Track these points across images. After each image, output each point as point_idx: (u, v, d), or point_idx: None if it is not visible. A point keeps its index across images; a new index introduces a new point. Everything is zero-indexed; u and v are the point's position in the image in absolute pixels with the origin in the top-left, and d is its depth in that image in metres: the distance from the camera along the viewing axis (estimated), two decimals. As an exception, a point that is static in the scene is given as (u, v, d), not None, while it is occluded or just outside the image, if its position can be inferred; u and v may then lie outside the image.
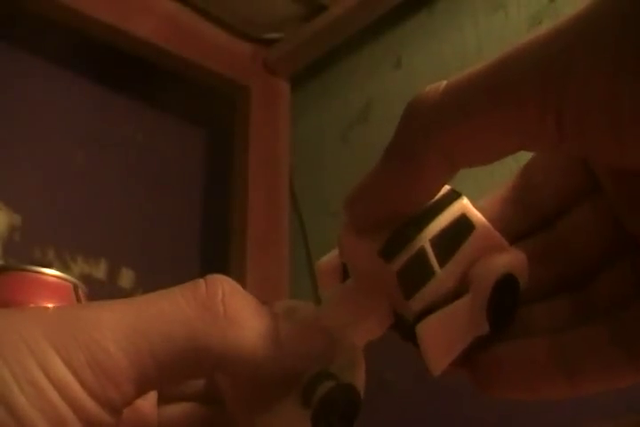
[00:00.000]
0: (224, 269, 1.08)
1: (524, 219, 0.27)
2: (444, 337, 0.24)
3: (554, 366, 0.24)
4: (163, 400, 0.28)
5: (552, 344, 0.24)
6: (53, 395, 0.21)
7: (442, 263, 0.25)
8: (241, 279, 1.04)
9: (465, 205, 0.25)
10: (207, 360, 0.23)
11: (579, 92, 0.19)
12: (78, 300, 0.47)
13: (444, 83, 0.22)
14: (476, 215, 0.25)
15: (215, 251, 1.19)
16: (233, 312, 0.24)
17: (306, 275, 1.15)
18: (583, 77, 0.19)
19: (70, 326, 0.22)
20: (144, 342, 0.22)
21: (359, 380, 0.25)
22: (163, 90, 1.26)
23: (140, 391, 0.23)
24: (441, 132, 0.22)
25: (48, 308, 0.24)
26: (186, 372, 0.24)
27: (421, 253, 0.24)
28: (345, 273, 0.27)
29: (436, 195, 0.24)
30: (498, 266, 0.25)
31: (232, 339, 0.23)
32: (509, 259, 0.25)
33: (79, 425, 0.21)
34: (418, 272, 0.24)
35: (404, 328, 0.25)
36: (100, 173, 1.15)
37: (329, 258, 0.28)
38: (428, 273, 0.24)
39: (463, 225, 0.25)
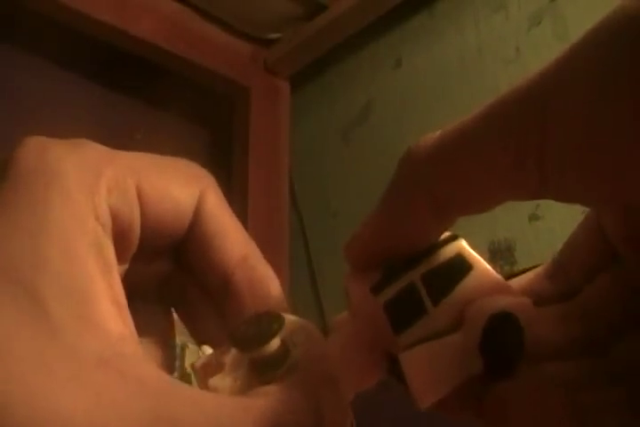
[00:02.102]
0: (224, 270, 1.07)
1: (549, 289, 0.27)
2: (431, 369, 0.24)
3: (569, 419, 0.23)
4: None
5: (567, 397, 0.23)
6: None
7: (435, 302, 0.24)
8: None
9: (462, 245, 0.25)
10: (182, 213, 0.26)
11: (558, 128, 0.20)
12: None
13: (438, 133, 0.23)
14: (474, 257, 0.25)
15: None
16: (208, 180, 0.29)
17: (306, 275, 1.15)
18: (562, 114, 0.20)
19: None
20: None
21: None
22: (163, 90, 1.26)
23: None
24: (430, 182, 0.22)
25: None
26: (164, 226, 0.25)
27: (412, 288, 0.24)
28: None
29: (426, 241, 0.24)
30: (494, 304, 0.24)
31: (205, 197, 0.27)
32: (509, 299, 0.25)
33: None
34: (408, 307, 0.24)
35: (396, 368, 0.25)
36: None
37: (343, 315, 0.28)
38: (419, 310, 0.24)
39: (459, 265, 0.25)
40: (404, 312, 0.24)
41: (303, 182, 1.22)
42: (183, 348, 0.75)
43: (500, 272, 0.26)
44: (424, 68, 1.08)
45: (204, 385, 0.24)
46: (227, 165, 1.23)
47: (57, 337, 0.20)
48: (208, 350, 0.27)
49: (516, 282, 0.27)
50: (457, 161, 0.22)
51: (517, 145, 0.21)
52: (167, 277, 0.28)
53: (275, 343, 0.23)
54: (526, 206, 0.86)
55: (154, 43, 1.12)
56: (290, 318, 0.25)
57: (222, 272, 0.26)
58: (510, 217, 0.88)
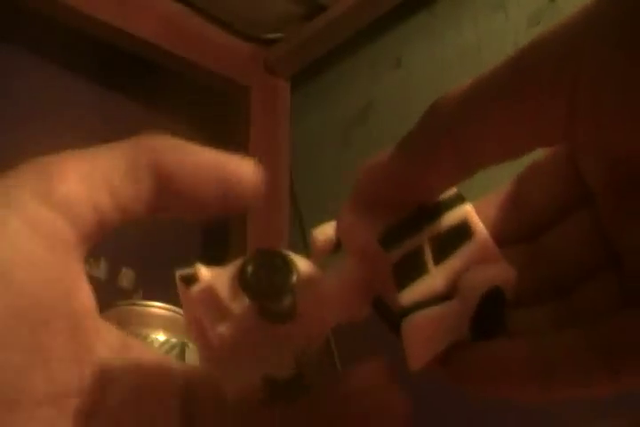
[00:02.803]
0: (224, 269, 1.08)
1: (514, 224, 0.28)
2: (427, 336, 0.25)
3: (529, 367, 0.24)
4: None
5: (530, 346, 0.24)
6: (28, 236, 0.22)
7: (436, 263, 0.25)
8: (241, 279, 1.04)
9: (468, 211, 0.26)
10: (143, 153, 0.26)
11: (592, 72, 0.20)
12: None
13: (469, 81, 0.22)
14: (478, 224, 0.26)
15: (215, 251, 1.19)
16: (172, 137, 0.27)
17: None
18: (596, 58, 0.20)
19: (36, 163, 0.26)
20: (92, 151, 0.26)
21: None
22: (162, 89, 1.26)
23: (87, 191, 0.24)
24: (458, 130, 0.22)
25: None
26: (124, 167, 0.26)
27: (419, 251, 0.25)
28: (338, 246, 0.27)
29: (442, 192, 0.25)
30: (488, 279, 0.25)
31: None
32: (500, 272, 0.26)
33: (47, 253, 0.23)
34: (413, 268, 0.25)
35: (389, 317, 0.26)
36: (100, 173, 1.15)
37: (324, 229, 0.28)
38: (421, 270, 0.25)
39: (463, 231, 0.26)
40: (408, 272, 0.25)
41: (303, 182, 1.22)
42: (183, 348, 0.75)
43: None
44: (424, 68, 1.08)
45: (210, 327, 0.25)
46: (227, 164, 1.23)
47: None
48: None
49: (481, 211, 0.27)
50: (485, 106, 0.22)
51: (550, 85, 0.21)
52: None
53: (289, 296, 0.24)
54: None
55: (154, 42, 1.12)
56: (291, 257, 0.25)
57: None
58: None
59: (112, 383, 0.24)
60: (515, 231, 0.27)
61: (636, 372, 0.23)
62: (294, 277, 0.24)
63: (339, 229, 0.27)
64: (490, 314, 0.26)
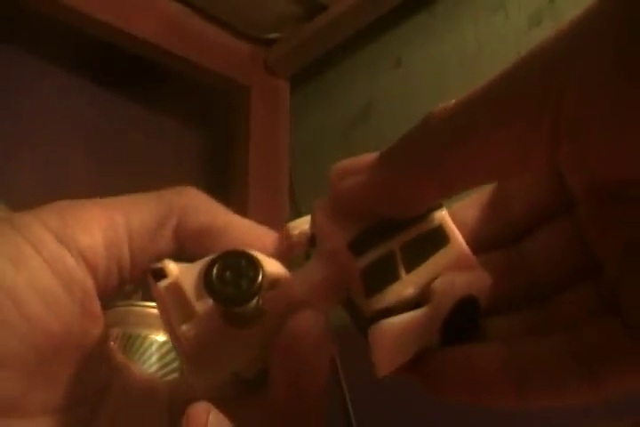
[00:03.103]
0: (224, 270, 1.07)
1: (494, 227, 0.27)
2: (395, 343, 0.24)
3: (503, 374, 0.23)
4: None
5: (504, 353, 0.24)
6: (46, 271, 0.22)
7: (408, 270, 0.25)
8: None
9: (444, 216, 0.25)
10: (173, 213, 0.25)
11: (577, 94, 0.20)
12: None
13: (453, 102, 0.22)
14: (453, 230, 0.26)
15: (215, 251, 1.19)
16: (201, 195, 0.27)
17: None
18: (582, 79, 0.19)
19: (60, 208, 0.25)
20: (119, 202, 0.26)
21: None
22: (162, 89, 1.26)
23: (108, 241, 0.24)
24: (443, 152, 0.22)
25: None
26: (152, 228, 0.25)
27: (390, 257, 0.24)
28: (313, 240, 0.27)
29: (423, 209, 0.25)
30: (462, 286, 0.25)
31: (195, 199, 0.27)
32: (475, 279, 0.25)
33: (48, 270, 0.23)
34: (383, 274, 0.24)
35: (358, 319, 0.26)
36: (100, 174, 1.15)
37: (300, 222, 0.28)
38: (392, 276, 0.25)
39: (437, 237, 0.25)
40: (378, 278, 0.24)
41: (303, 182, 1.22)
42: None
43: None
44: (424, 68, 1.08)
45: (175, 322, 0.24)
46: (226, 164, 1.23)
47: None
48: None
49: (461, 213, 0.27)
50: (470, 131, 0.21)
51: (535, 107, 0.20)
52: None
53: (255, 300, 0.23)
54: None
55: (154, 42, 1.12)
56: (259, 258, 0.24)
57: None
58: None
59: (109, 396, 0.25)
60: (494, 235, 0.27)
61: (617, 379, 0.23)
62: (260, 281, 0.23)
63: (312, 227, 0.26)
64: (462, 322, 0.25)
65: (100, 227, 0.25)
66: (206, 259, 0.24)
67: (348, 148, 1.16)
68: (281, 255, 0.26)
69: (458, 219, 0.26)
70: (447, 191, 0.23)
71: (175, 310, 0.24)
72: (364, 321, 0.25)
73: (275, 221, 1.18)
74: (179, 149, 1.29)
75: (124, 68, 1.20)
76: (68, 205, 0.26)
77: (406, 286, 0.25)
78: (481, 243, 0.27)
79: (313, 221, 0.27)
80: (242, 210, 1.14)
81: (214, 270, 0.23)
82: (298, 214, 1.19)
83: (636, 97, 0.19)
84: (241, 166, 1.18)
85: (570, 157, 0.21)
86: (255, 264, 0.23)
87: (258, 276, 0.23)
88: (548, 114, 0.20)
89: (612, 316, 0.23)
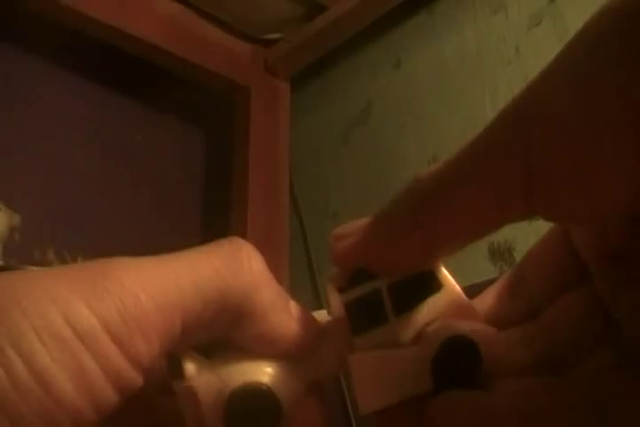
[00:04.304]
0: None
1: (513, 309, 0.27)
2: (378, 377, 0.24)
3: (515, 421, 0.23)
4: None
5: (514, 401, 0.23)
6: (78, 347, 0.20)
7: (397, 313, 0.24)
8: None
9: (436, 265, 0.25)
10: (228, 313, 0.23)
11: (542, 139, 0.20)
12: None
13: (435, 167, 0.23)
14: (446, 276, 0.25)
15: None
16: (256, 268, 0.24)
17: (306, 275, 1.14)
18: (545, 133, 0.20)
19: (99, 275, 0.21)
20: (174, 291, 0.22)
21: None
22: (163, 90, 1.26)
23: (163, 347, 0.22)
24: (424, 213, 0.23)
25: (73, 264, 0.23)
26: (206, 325, 0.23)
27: (376, 294, 0.24)
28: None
29: (413, 269, 0.25)
30: (454, 327, 0.24)
31: (252, 293, 0.24)
32: (472, 326, 0.25)
33: (104, 379, 0.21)
34: (369, 312, 0.24)
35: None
36: (100, 174, 1.15)
37: (319, 313, 0.28)
38: (380, 318, 0.24)
39: (428, 282, 0.25)
40: (364, 316, 0.24)
41: (303, 183, 1.22)
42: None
43: (500, 273, 0.26)
44: (423, 69, 1.08)
45: None
46: (226, 165, 1.23)
47: None
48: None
49: (479, 301, 0.27)
50: (450, 189, 0.22)
51: (503, 164, 0.21)
52: None
53: None
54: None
55: (154, 43, 1.12)
56: (276, 390, 0.24)
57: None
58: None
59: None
60: (513, 315, 0.27)
61: None
62: (280, 415, 0.23)
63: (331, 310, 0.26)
64: (458, 366, 0.24)
65: (152, 297, 0.22)
66: (226, 365, 0.24)
67: (347, 148, 1.16)
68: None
69: (478, 305, 0.26)
70: (433, 249, 0.24)
71: (189, 412, 0.24)
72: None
73: (275, 221, 1.18)
74: (179, 148, 1.29)
75: (125, 69, 1.21)
76: (128, 300, 0.22)
77: (394, 330, 0.24)
78: (500, 322, 0.27)
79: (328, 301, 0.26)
80: (242, 211, 1.14)
81: (235, 404, 0.23)
82: (298, 215, 1.19)
83: (598, 140, 0.19)
84: (241, 166, 1.18)
85: (542, 202, 0.21)
86: (276, 403, 0.23)
87: (278, 409, 0.23)
88: (518, 166, 0.21)
89: (630, 371, 0.23)
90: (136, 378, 0.22)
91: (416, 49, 1.11)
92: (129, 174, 1.19)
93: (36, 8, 1.04)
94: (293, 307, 0.25)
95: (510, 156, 0.21)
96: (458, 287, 0.25)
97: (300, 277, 1.14)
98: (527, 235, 0.87)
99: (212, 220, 1.25)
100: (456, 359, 0.24)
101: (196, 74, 1.20)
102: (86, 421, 0.21)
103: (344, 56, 1.21)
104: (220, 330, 0.24)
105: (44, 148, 1.09)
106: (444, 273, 0.25)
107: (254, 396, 0.23)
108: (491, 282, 0.28)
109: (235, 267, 0.24)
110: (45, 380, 0.20)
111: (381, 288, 0.24)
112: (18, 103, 1.08)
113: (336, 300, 0.25)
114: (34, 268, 0.47)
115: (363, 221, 0.25)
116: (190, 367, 0.24)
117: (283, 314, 0.25)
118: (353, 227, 0.25)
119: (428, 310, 0.25)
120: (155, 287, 0.22)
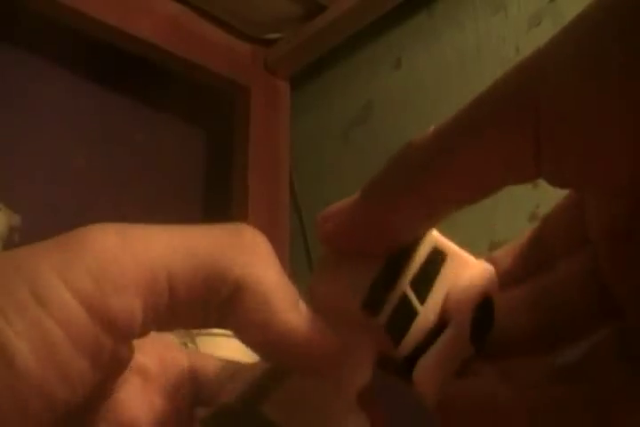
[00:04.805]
0: (224, 269, 1.08)
1: (526, 267, 0.27)
2: (438, 374, 0.24)
3: (517, 417, 0.23)
4: None
5: (518, 396, 0.23)
6: (41, 315, 0.19)
7: (422, 300, 0.24)
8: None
9: (435, 236, 0.25)
10: (224, 285, 0.22)
11: (551, 105, 0.20)
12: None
13: (432, 128, 0.22)
14: (446, 243, 0.25)
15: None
16: (260, 249, 0.23)
17: (306, 275, 1.15)
18: (556, 94, 0.20)
19: (72, 242, 0.21)
20: (161, 250, 0.21)
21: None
22: (163, 90, 1.26)
23: (148, 308, 0.21)
24: (423, 176, 0.22)
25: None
26: (198, 296, 0.22)
27: (404, 299, 0.24)
28: None
29: (413, 236, 0.24)
30: (473, 290, 0.25)
31: (254, 269, 0.22)
32: (480, 276, 0.25)
33: (71, 348, 0.20)
34: (403, 318, 0.24)
35: (395, 367, 0.25)
36: (100, 174, 1.15)
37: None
38: (411, 315, 0.24)
39: (437, 258, 0.25)
40: (400, 324, 0.24)
41: (303, 182, 1.22)
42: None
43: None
44: (424, 69, 1.08)
45: None
46: (227, 165, 1.23)
47: None
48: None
49: (492, 257, 0.27)
50: (453, 151, 0.21)
51: (514, 127, 0.20)
52: None
53: None
54: (526, 206, 0.86)
55: (154, 43, 1.12)
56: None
57: None
58: (510, 217, 0.89)
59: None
60: (523, 273, 0.27)
61: None
62: None
63: (314, 305, 0.25)
64: (483, 323, 0.25)
65: (136, 287, 0.20)
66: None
67: (347, 147, 1.16)
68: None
69: (497, 268, 0.26)
70: (432, 212, 0.23)
71: None
72: (402, 368, 0.24)
73: (275, 220, 1.18)
74: (179, 148, 1.29)
75: (125, 69, 1.21)
76: (103, 259, 0.20)
77: (426, 316, 0.24)
78: (513, 275, 0.26)
79: (312, 298, 0.26)
80: (242, 210, 1.14)
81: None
82: (298, 213, 1.19)
83: (606, 105, 0.19)
84: (241, 166, 1.19)
85: (550, 161, 0.21)
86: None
87: None
88: (529, 122, 0.20)
89: (633, 362, 0.23)
90: (112, 345, 0.20)
91: (416, 49, 1.11)
92: (128, 174, 1.19)
93: (36, 8, 1.04)
94: (301, 303, 0.25)
95: (521, 122, 0.20)
96: (456, 247, 0.25)
97: (299, 277, 1.14)
98: (527, 234, 0.87)
99: (213, 219, 1.25)
100: (485, 324, 0.25)
101: (196, 74, 1.20)
102: (61, 398, 0.20)
103: (344, 56, 1.21)
104: (216, 304, 0.22)
105: (44, 148, 1.09)
106: (443, 241, 0.25)
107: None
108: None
109: (237, 241, 0.23)
110: (7, 354, 0.19)
111: (406, 290, 0.24)
112: (18, 103, 1.08)
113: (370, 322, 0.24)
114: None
115: (349, 200, 0.24)
116: None
117: (288, 304, 0.23)
118: (339, 206, 0.24)
119: (443, 283, 0.25)
120: (138, 247, 0.21)
